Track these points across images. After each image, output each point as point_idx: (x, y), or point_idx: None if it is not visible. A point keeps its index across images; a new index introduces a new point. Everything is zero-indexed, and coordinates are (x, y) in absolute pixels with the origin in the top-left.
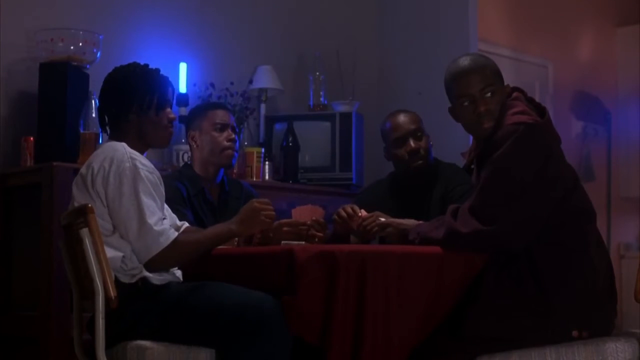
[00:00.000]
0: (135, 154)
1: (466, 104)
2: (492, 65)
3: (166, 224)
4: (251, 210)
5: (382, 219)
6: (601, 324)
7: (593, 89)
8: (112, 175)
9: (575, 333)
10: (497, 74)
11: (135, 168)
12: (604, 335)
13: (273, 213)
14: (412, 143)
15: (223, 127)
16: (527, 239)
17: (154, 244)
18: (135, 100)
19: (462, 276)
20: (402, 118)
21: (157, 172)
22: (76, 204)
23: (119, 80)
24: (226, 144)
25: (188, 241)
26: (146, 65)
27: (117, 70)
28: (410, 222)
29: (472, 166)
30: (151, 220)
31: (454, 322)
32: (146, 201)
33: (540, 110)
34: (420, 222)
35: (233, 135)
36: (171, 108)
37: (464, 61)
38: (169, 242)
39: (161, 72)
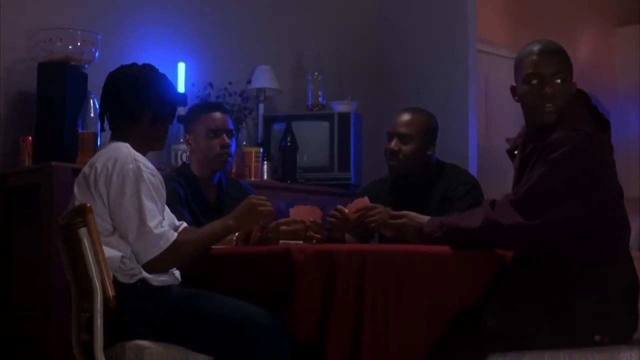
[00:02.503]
0: (139, 156)
1: (534, 82)
2: (567, 55)
3: (165, 226)
4: (248, 206)
5: (394, 212)
6: (623, 330)
7: (592, 89)
8: (115, 176)
9: (597, 337)
10: (570, 66)
11: (138, 170)
12: (624, 342)
13: (271, 208)
14: (392, 143)
15: (217, 133)
16: (564, 239)
17: (154, 246)
18: (150, 107)
19: (467, 276)
20: (401, 117)
21: (159, 175)
22: (77, 203)
23: (137, 83)
24: (219, 150)
25: (186, 242)
26: (164, 75)
27: (133, 71)
28: (423, 217)
29: (515, 152)
30: (151, 223)
31: (469, 319)
32: (147, 204)
33: (602, 122)
34: (431, 217)
35: (227, 141)
36: None
37: (542, 42)
38: (168, 244)
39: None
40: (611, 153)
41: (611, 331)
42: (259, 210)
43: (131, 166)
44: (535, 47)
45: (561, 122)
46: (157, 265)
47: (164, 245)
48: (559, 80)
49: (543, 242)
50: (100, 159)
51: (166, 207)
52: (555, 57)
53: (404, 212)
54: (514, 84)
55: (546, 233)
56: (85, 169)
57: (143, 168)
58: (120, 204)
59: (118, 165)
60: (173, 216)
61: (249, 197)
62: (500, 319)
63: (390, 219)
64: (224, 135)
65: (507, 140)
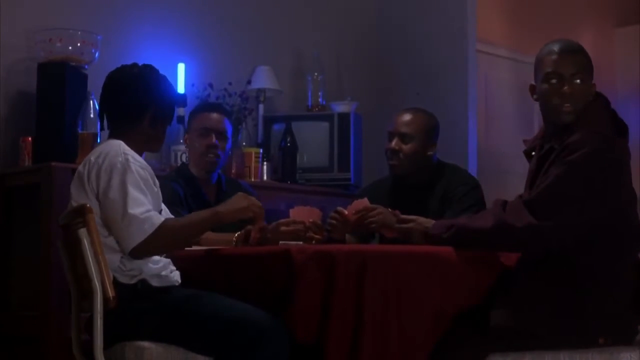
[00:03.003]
0: (129, 150)
1: (554, 81)
2: (588, 56)
3: (153, 214)
4: (237, 197)
5: (403, 216)
6: (626, 333)
7: None
8: (104, 170)
9: (601, 340)
10: (590, 67)
11: (126, 162)
12: (626, 343)
13: (260, 204)
14: (392, 143)
15: (206, 132)
16: (576, 241)
17: (139, 231)
18: (151, 108)
19: (467, 276)
20: (402, 116)
21: (150, 169)
22: (74, 203)
23: (138, 84)
24: (204, 150)
25: (173, 226)
26: (165, 77)
27: (134, 72)
28: (431, 221)
29: (533, 153)
30: (136, 210)
31: (469, 319)
32: (133, 192)
33: (621, 126)
34: (437, 220)
35: (213, 141)
36: None
37: (563, 41)
38: (154, 228)
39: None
40: (629, 158)
41: (620, 332)
42: (248, 200)
43: (119, 159)
44: (556, 46)
45: (579, 124)
46: (143, 250)
47: (149, 229)
48: (578, 81)
49: (554, 244)
50: (92, 156)
51: (165, 207)
52: (576, 57)
53: (413, 216)
54: (533, 82)
55: (558, 235)
56: (80, 167)
57: (131, 160)
58: (108, 195)
59: (107, 160)
60: (173, 217)
61: (239, 193)
62: (508, 318)
63: (398, 223)
64: (212, 135)
65: (525, 141)
